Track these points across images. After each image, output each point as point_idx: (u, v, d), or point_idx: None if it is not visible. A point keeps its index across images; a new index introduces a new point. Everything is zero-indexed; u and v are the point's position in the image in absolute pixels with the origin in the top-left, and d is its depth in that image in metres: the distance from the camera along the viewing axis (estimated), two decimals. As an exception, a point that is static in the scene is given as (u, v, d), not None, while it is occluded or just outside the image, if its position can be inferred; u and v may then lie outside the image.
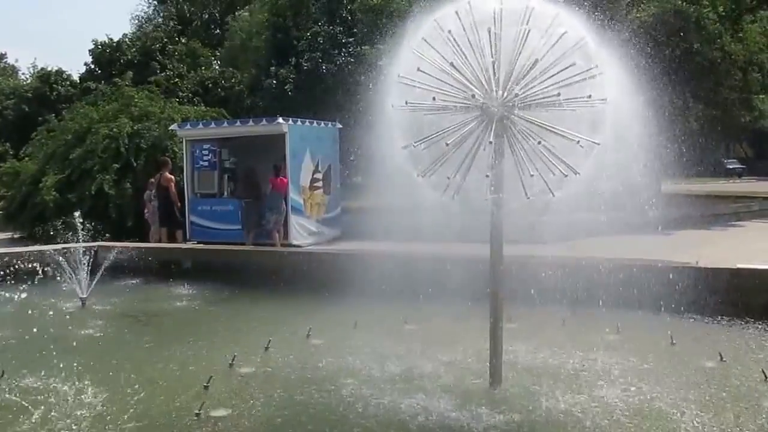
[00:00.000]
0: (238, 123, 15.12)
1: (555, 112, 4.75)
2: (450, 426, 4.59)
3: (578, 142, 4.70)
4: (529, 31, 4.76)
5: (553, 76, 4.74)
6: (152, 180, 14.42)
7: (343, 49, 21.94)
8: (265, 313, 8.46)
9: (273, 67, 23.47)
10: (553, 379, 5.49)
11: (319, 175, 14.41)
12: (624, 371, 5.67)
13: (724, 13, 17.71)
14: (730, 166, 46.42)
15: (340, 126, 15.05)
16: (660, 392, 5.15)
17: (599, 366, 5.81)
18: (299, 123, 14.17)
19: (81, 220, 10.56)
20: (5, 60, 50.99)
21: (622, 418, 4.69)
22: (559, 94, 4.69)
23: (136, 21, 43.83)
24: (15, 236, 16.98)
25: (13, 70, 49.05)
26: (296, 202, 13.70)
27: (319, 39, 22.73)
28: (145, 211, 14.43)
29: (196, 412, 4.84)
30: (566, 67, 4.74)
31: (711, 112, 18.11)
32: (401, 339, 6.75)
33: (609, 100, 4.78)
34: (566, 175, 4.75)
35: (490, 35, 4.73)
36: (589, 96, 4.72)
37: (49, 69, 33.43)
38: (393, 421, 4.70)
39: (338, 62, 21.58)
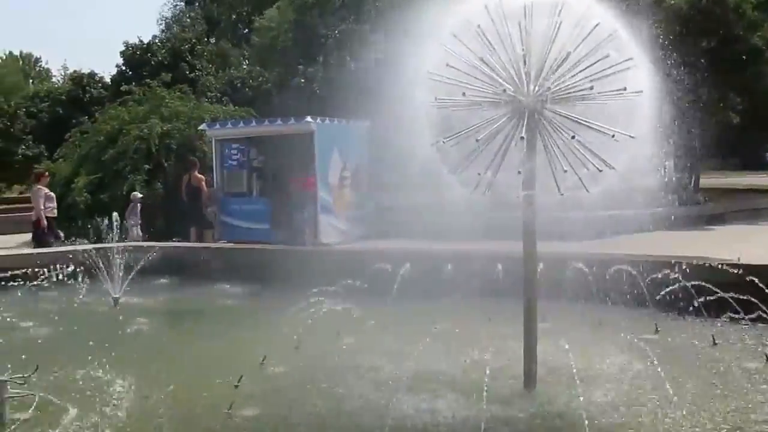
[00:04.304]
0: (267, 122, 15.13)
1: (589, 105, 4.62)
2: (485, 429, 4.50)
3: (613, 136, 4.57)
4: (560, 23, 4.64)
5: (585, 69, 4.61)
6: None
7: (372, 47, 21.82)
8: (295, 311, 8.42)
9: (300, 66, 23.49)
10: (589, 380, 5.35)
11: (348, 174, 14.35)
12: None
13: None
14: (770, 159, 45.16)
15: (369, 124, 14.95)
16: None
17: (636, 369, 5.65)
18: (327, 122, 14.12)
19: (117, 221, 10.69)
20: (39, 64, 52.09)
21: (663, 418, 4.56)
22: (592, 88, 4.56)
23: (164, 22, 44.36)
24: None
25: (47, 74, 50.11)
26: (325, 200, 13.67)
27: (346, 37, 22.67)
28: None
29: (226, 410, 4.82)
30: (599, 60, 4.61)
31: (751, 104, 17.52)
32: (432, 338, 6.65)
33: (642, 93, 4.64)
34: (601, 170, 4.62)
35: (520, 29, 4.63)
36: (624, 89, 4.59)
37: (81, 72, 34.03)
38: (426, 422, 4.62)
39: (366, 60, 21.47)
